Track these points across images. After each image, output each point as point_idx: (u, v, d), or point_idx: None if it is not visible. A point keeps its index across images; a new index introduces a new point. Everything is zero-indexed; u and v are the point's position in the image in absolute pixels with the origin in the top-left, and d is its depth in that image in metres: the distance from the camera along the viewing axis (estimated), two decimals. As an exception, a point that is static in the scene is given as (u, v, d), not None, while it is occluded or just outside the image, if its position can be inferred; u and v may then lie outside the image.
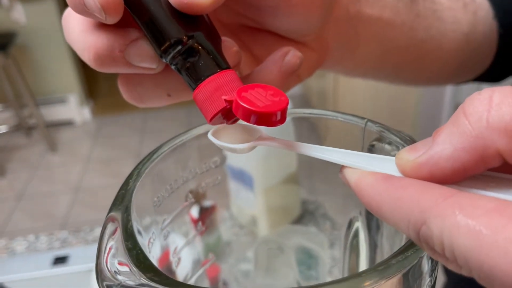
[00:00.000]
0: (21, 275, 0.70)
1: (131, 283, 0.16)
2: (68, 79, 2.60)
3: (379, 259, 0.27)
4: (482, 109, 0.14)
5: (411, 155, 0.16)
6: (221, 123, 0.20)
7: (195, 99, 0.20)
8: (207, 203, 0.35)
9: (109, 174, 2.22)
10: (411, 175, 0.16)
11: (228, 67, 0.20)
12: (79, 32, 0.21)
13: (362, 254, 0.27)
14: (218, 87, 0.19)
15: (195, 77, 0.20)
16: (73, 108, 2.67)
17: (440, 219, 0.13)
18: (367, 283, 0.15)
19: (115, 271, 0.16)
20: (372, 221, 0.26)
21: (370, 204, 0.16)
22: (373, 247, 0.27)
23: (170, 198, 0.24)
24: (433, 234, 0.13)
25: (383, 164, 0.17)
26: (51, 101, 2.62)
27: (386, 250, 0.26)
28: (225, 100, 0.19)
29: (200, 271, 0.29)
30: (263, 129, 0.21)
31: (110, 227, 0.18)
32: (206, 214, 0.36)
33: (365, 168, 0.17)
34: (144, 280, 0.16)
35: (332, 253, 0.48)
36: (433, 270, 0.17)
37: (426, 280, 0.17)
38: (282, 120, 0.19)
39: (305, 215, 0.65)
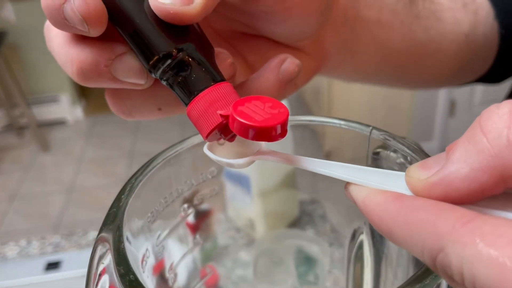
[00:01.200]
0: (12, 281, 0.69)
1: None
2: (59, 78, 2.58)
3: (384, 271, 0.26)
4: (502, 125, 0.13)
5: (423, 173, 0.15)
6: (218, 139, 0.19)
7: (189, 115, 0.19)
8: (203, 207, 0.34)
9: (102, 174, 2.20)
10: (423, 195, 0.15)
11: (222, 79, 0.19)
12: (62, 44, 0.20)
13: (367, 266, 0.26)
14: (213, 101, 0.18)
15: (187, 92, 0.18)
16: (65, 107, 2.64)
17: (459, 247, 0.12)
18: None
19: (106, 300, 0.15)
20: (377, 233, 0.25)
21: (379, 226, 0.15)
22: (378, 259, 0.25)
23: (164, 213, 0.23)
24: (451, 263, 0.12)
25: (392, 181, 0.16)
26: (43, 100, 2.59)
27: (392, 261, 0.25)
28: (221, 115, 0.18)
29: (201, 283, 0.28)
30: (263, 142, 0.20)
31: (100, 250, 0.17)
32: (202, 218, 0.34)
33: (372, 185, 0.16)
34: (138, 311, 0.15)
35: (332, 256, 0.47)
36: None
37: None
38: (283, 134, 0.17)
39: (303, 217, 0.64)
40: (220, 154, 0.19)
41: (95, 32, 0.18)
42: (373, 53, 0.32)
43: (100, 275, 0.16)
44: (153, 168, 0.22)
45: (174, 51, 0.18)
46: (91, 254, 0.17)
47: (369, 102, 1.76)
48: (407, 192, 0.15)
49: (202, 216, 0.34)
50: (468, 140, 0.14)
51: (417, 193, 0.15)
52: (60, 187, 2.13)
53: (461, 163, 0.14)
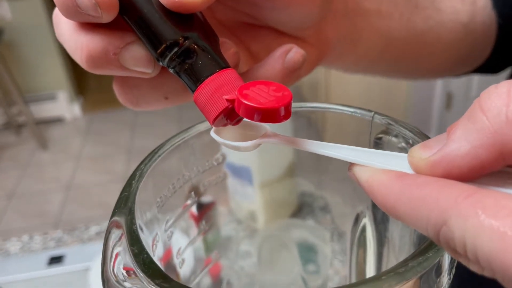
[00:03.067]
0: (16, 276, 0.69)
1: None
2: (57, 76, 2.57)
3: (386, 254, 0.27)
4: (500, 103, 0.14)
5: (425, 152, 0.15)
6: (224, 124, 0.19)
7: (196, 102, 0.19)
8: (206, 199, 0.34)
9: (101, 171, 2.20)
10: (425, 174, 0.15)
11: (227, 66, 0.19)
12: (72, 31, 0.20)
13: (370, 250, 0.26)
14: (219, 87, 0.19)
15: (194, 79, 0.19)
16: (63, 105, 2.63)
17: (461, 219, 0.13)
18: (386, 286, 0.14)
19: (121, 278, 0.16)
20: (380, 216, 0.26)
21: (384, 204, 0.15)
22: (381, 242, 0.26)
23: (173, 198, 0.24)
24: (454, 235, 0.13)
25: (395, 162, 0.16)
26: (40, 98, 2.59)
27: (394, 245, 0.25)
28: (227, 100, 0.18)
29: (205, 271, 0.29)
30: (267, 126, 0.20)
31: (114, 232, 0.17)
32: (205, 210, 0.35)
33: (376, 165, 0.17)
34: (153, 286, 0.15)
35: (333, 247, 0.47)
36: (451, 268, 0.17)
37: (445, 279, 0.17)
38: (287, 115, 0.18)
39: (303, 208, 0.65)
40: (227, 137, 0.20)
41: (108, 17, 0.18)
42: (374, 43, 0.33)
43: (116, 255, 0.16)
44: (161, 154, 0.22)
45: (181, 39, 0.19)
46: (105, 236, 0.17)
47: (365, 95, 1.76)
48: (410, 171, 0.16)
49: (205, 209, 0.34)
50: (468, 119, 0.14)
51: (420, 172, 0.15)
52: (58, 184, 2.13)
53: (462, 141, 0.14)
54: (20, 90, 2.35)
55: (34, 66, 2.52)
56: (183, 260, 0.25)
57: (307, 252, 0.45)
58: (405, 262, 0.14)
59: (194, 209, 0.29)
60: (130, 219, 0.18)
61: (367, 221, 0.26)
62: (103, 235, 0.58)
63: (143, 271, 0.16)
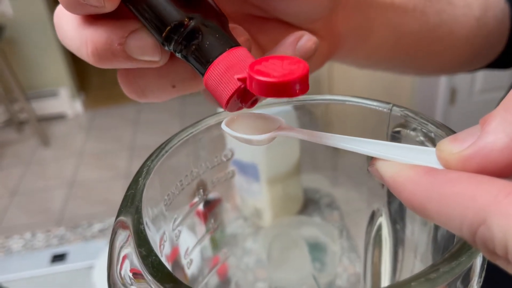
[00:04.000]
0: (18, 274, 0.68)
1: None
2: (58, 72, 2.56)
3: (402, 254, 0.26)
4: None
5: (455, 146, 0.14)
6: (239, 108, 0.18)
7: (207, 85, 0.18)
8: (212, 196, 0.33)
9: (103, 167, 2.20)
10: (457, 169, 0.14)
11: (237, 45, 0.18)
12: (74, 28, 0.19)
13: (386, 250, 0.25)
14: (230, 66, 0.17)
15: (203, 61, 0.18)
16: (65, 102, 2.63)
17: (503, 218, 0.12)
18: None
19: (129, 282, 0.15)
20: (396, 214, 0.24)
21: (411, 201, 0.14)
22: (397, 242, 0.25)
23: (181, 195, 0.23)
24: (494, 235, 0.12)
25: (422, 156, 0.15)
26: (42, 94, 2.58)
27: (412, 244, 0.24)
28: (239, 79, 0.17)
29: (213, 271, 0.28)
30: (282, 119, 0.19)
31: (120, 233, 0.16)
32: (211, 207, 0.34)
33: (401, 160, 0.15)
34: (163, 292, 0.14)
35: (342, 244, 0.46)
36: (482, 270, 0.16)
37: (476, 281, 0.15)
38: (304, 88, 0.16)
39: (309, 205, 0.64)
40: (239, 131, 0.19)
41: (111, 6, 0.17)
42: (386, 37, 0.32)
43: (123, 258, 0.15)
44: (168, 150, 0.21)
45: (186, 20, 0.18)
46: (111, 237, 0.16)
47: (369, 92, 1.75)
48: (439, 167, 0.15)
49: (210, 206, 0.33)
50: (505, 110, 0.13)
51: (450, 168, 0.14)
52: (61, 181, 2.13)
53: (499, 133, 0.13)
54: (22, 87, 2.35)
55: (36, 62, 2.51)
56: (191, 261, 0.24)
57: (316, 250, 0.44)
58: (435, 267, 0.13)
59: (200, 206, 0.28)
60: (137, 219, 0.17)
61: (383, 220, 0.24)
62: (106, 232, 0.58)
63: (151, 274, 0.15)
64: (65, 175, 2.17)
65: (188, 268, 0.24)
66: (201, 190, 0.24)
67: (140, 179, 0.19)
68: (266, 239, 0.44)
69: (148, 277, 0.15)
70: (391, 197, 0.25)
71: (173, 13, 0.18)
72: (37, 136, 2.39)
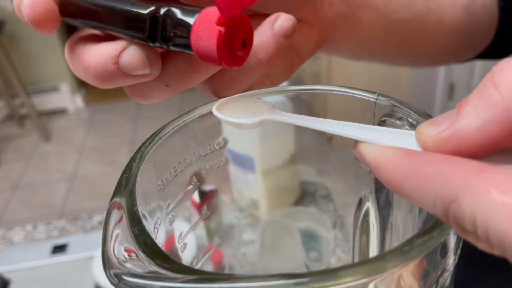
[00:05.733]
0: (20, 265, 0.69)
1: (140, 270, 0.15)
2: (59, 67, 2.57)
3: (389, 239, 0.26)
4: None
5: (433, 129, 0.15)
6: (237, 59, 0.19)
7: (198, 55, 0.19)
8: (208, 187, 0.34)
9: (104, 162, 2.21)
10: (434, 151, 0.15)
11: (203, 8, 0.19)
12: (75, 58, 0.22)
13: (373, 235, 0.26)
14: (204, 21, 0.18)
15: (185, 36, 0.19)
16: (65, 97, 2.63)
17: (472, 196, 0.12)
18: (391, 265, 0.14)
19: (122, 259, 0.16)
20: (383, 200, 0.25)
21: (390, 181, 0.15)
22: (384, 227, 0.26)
23: (174, 182, 0.24)
24: (464, 212, 0.13)
25: (403, 139, 0.16)
26: (43, 90, 2.59)
27: (398, 229, 0.25)
28: (217, 24, 0.18)
29: (207, 256, 0.29)
30: (272, 104, 0.20)
31: (114, 213, 0.17)
32: (206, 198, 0.35)
33: (382, 143, 0.16)
34: (154, 267, 0.15)
35: (336, 235, 0.47)
36: (457, 248, 0.16)
37: (451, 259, 0.16)
38: None
39: (305, 197, 0.65)
40: (229, 115, 0.19)
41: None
42: (375, 25, 0.33)
43: (116, 236, 0.16)
44: (162, 137, 0.22)
45: (156, 11, 0.19)
46: (105, 217, 0.17)
47: (367, 86, 1.75)
48: (418, 149, 0.15)
49: (206, 197, 0.34)
50: (479, 94, 0.14)
51: (428, 149, 0.15)
52: (62, 176, 2.14)
53: (472, 116, 0.14)
54: (23, 82, 2.35)
55: (36, 58, 2.52)
56: (184, 245, 0.25)
57: (310, 239, 0.45)
58: (410, 241, 0.14)
59: (196, 197, 0.29)
60: (131, 201, 0.18)
61: (370, 205, 0.25)
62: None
63: (144, 252, 0.16)
64: (66, 170, 2.18)
65: (182, 252, 0.25)
66: (194, 178, 0.25)
67: (133, 164, 0.20)
68: (260, 228, 0.45)
69: (140, 254, 0.16)
70: (378, 183, 0.26)
71: (142, 11, 0.20)
72: (38, 130, 2.40)
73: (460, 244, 0.17)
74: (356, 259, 0.27)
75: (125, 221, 0.17)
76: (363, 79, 1.72)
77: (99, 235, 0.73)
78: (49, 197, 2.01)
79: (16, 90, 2.31)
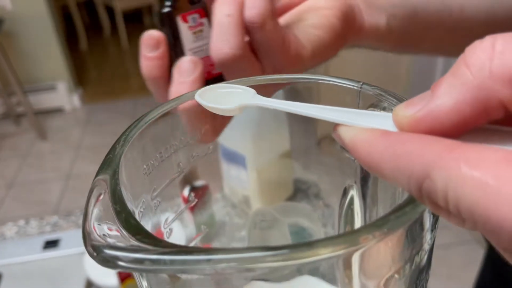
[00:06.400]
0: (12, 259, 0.69)
1: (120, 244, 0.15)
2: (56, 66, 2.57)
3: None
4: (484, 58, 0.14)
5: (409, 110, 0.15)
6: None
7: None
8: (199, 183, 0.34)
9: (100, 161, 2.19)
10: (409, 131, 0.15)
11: None
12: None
13: (357, 223, 0.26)
14: None
15: None
16: (62, 96, 2.63)
17: (444, 171, 0.13)
18: (364, 238, 0.14)
19: (103, 234, 0.16)
20: (367, 190, 0.26)
21: (368, 161, 0.15)
22: (368, 216, 0.26)
23: (160, 167, 0.24)
24: (437, 187, 0.13)
25: (380, 121, 0.16)
26: (40, 88, 2.58)
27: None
28: None
29: (193, 243, 0.29)
30: (253, 90, 0.20)
31: (97, 191, 0.17)
32: (197, 194, 0.35)
33: (361, 125, 0.17)
34: (134, 242, 0.15)
35: (326, 231, 0.47)
36: (433, 228, 0.17)
37: (427, 238, 0.17)
38: None
39: (298, 194, 0.65)
40: (211, 101, 0.20)
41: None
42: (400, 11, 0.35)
43: (97, 213, 0.16)
44: (147, 121, 0.22)
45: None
46: (88, 195, 0.17)
47: (365, 76, 1.76)
48: (395, 130, 0.16)
49: (197, 193, 0.34)
50: (453, 75, 0.14)
51: (404, 129, 0.15)
52: (57, 174, 2.13)
53: (445, 97, 0.14)
54: (20, 81, 2.35)
55: (34, 56, 2.52)
56: (170, 230, 0.25)
57: (299, 235, 0.45)
58: (384, 217, 0.15)
59: (185, 193, 0.29)
60: (114, 180, 0.18)
61: (354, 194, 0.26)
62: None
63: (124, 228, 0.16)
64: (62, 168, 2.17)
65: (168, 237, 0.25)
66: (180, 164, 0.25)
67: (117, 146, 0.20)
68: (248, 220, 0.45)
69: (121, 230, 0.16)
70: (363, 173, 0.26)
71: None
72: (34, 129, 2.40)
73: (437, 225, 0.17)
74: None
75: (107, 199, 0.17)
76: (360, 72, 1.73)
77: (91, 230, 0.73)
78: (44, 195, 2.01)
79: (13, 88, 2.31)
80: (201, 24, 0.28)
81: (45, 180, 2.11)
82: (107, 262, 0.14)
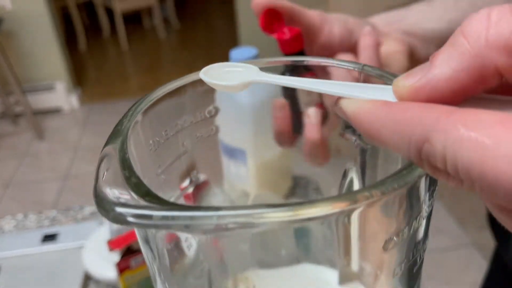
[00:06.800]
0: (10, 252, 0.69)
1: (131, 202, 0.15)
2: (55, 66, 2.57)
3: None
4: (480, 27, 0.14)
5: (408, 80, 0.16)
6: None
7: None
8: (200, 178, 0.35)
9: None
10: (409, 101, 0.16)
11: None
12: None
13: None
14: None
15: None
16: (61, 96, 2.63)
17: (443, 134, 0.13)
18: (361, 196, 0.15)
19: (113, 196, 0.16)
20: (367, 171, 0.26)
21: (369, 131, 0.16)
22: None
23: (165, 146, 0.24)
24: (435, 150, 0.13)
25: (381, 93, 0.17)
26: (38, 88, 2.59)
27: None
28: None
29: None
30: (257, 67, 0.21)
31: (106, 159, 0.18)
32: (198, 189, 0.35)
33: (362, 97, 0.17)
34: (143, 203, 0.16)
35: (323, 231, 0.48)
36: (431, 196, 0.17)
37: (424, 205, 0.17)
38: None
39: (297, 190, 0.65)
40: (216, 79, 0.20)
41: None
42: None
43: (108, 176, 0.17)
44: (153, 99, 0.23)
45: None
46: (98, 162, 0.18)
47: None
48: (395, 101, 0.16)
49: (198, 188, 0.35)
50: (451, 45, 0.15)
51: (404, 100, 0.16)
52: (55, 174, 2.13)
53: (444, 66, 0.15)
54: (18, 80, 2.35)
55: (33, 56, 2.52)
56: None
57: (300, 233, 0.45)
58: (382, 180, 0.15)
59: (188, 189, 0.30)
60: (122, 149, 0.19)
61: (354, 176, 0.26)
62: (98, 215, 0.58)
63: (133, 190, 0.16)
64: (60, 168, 2.17)
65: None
66: (184, 143, 0.26)
67: (125, 120, 0.21)
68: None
69: (131, 193, 0.17)
70: (363, 156, 0.27)
71: None
72: (32, 129, 2.40)
73: (434, 194, 0.18)
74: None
75: (116, 165, 0.18)
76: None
77: (90, 225, 0.74)
78: (41, 194, 2.01)
79: (12, 87, 2.31)
80: None
81: (42, 180, 2.11)
82: (119, 219, 0.15)
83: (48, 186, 2.06)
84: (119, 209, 0.15)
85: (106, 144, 0.19)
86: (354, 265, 0.25)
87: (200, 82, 0.24)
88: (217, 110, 0.27)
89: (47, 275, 0.67)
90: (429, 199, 0.17)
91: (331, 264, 0.29)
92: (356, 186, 0.26)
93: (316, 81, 0.19)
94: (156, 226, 0.14)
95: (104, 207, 0.15)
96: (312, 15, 0.36)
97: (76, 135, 2.45)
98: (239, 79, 0.20)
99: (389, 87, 0.17)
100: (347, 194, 0.14)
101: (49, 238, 0.72)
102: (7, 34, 2.41)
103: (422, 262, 0.19)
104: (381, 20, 0.42)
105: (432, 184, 0.17)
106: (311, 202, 0.14)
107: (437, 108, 0.14)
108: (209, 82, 0.21)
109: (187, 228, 0.14)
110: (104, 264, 0.63)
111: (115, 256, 0.55)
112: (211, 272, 0.32)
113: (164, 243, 0.21)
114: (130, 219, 0.15)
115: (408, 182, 0.15)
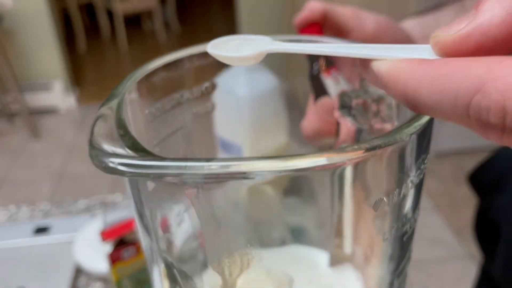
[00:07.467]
0: (1, 243, 0.69)
1: (126, 154, 0.16)
2: (53, 66, 2.57)
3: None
4: None
5: (452, 29, 0.14)
6: None
7: None
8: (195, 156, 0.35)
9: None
10: (454, 50, 0.13)
11: None
12: None
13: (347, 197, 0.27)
14: None
15: None
16: (58, 95, 2.63)
17: (500, 80, 0.12)
18: (350, 149, 0.15)
19: (108, 149, 0.16)
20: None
21: (405, 91, 0.14)
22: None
23: (162, 119, 0.24)
24: (491, 101, 0.12)
25: (417, 52, 0.15)
26: (35, 87, 2.58)
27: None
28: None
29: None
30: (270, 38, 0.19)
31: (102, 117, 0.18)
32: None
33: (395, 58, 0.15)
34: (138, 157, 0.16)
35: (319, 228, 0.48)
36: (422, 163, 0.18)
37: (414, 169, 0.17)
38: None
39: (293, 188, 0.65)
40: (226, 51, 0.18)
41: None
42: None
43: (104, 131, 0.17)
44: (150, 69, 0.23)
45: None
46: (94, 120, 0.18)
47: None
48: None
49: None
50: None
51: (446, 52, 0.14)
52: (49, 174, 2.12)
53: (496, 8, 0.13)
54: (16, 78, 2.35)
55: (32, 54, 2.52)
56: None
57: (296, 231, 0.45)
58: (372, 138, 0.15)
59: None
60: (118, 111, 0.19)
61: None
62: (91, 208, 0.58)
63: (128, 147, 0.17)
64: (54, 168, 2.16)
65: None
66: (180, 118, 0.26)
67: (120, 86, 0.21)
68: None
69: (125, 149, 0.17)
70: (358, 137, 0.27)
71: None
72: (27, 128, 2.39)
73: (426, 162, 0.18)
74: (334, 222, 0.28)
75: (112, 124, 0.18)
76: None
77: (83, 218, 0.73)
78: (35, 194, 2.00)
79: (9, 85, 2.31)
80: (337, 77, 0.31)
81: (36, 179, 2.10)
82: (112, 168, 0.15)
83: (41, 186, 2.05)
84: (114, 159, 0.15)
85: (103, 104, 0.19)
86: (347, 244, 0.25)
87: (198, 56, 0.25)
88: (214, 86, 0.27)
89: (38, 267, 0.66)
90: (420, 167, 0.17)
91: (323, 246, 0.29)
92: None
93: (342, 45, 0.16)
94: (151, 175, 0.14)
95: (98, 156, 0.15)
96: (345, 12, 0.35)
97: (73, 135, 2.44)
98: (254, 49, 0.18)
99: (425, 46, 0.15)
100: (338, 150, 0.14)
101: (41, 230, 0.72)
102: (6, 32, 2.41)
103: (412, 233, 0.19)
104: (417, 24, 0.40)
105: (423, 151, 0.17)
106: (304, 154, 0.14)
107: (486, 59, 0.12)
108: (219, 56, 0.18)
109: (179, 176, 0.14)
110: (95, 257, 0.63)
111: (107, 249, 0.54)
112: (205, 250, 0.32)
113: (159, 216, 0.21)
114: (123, 168, 0.15)
115: (396, 140, 0.15)
